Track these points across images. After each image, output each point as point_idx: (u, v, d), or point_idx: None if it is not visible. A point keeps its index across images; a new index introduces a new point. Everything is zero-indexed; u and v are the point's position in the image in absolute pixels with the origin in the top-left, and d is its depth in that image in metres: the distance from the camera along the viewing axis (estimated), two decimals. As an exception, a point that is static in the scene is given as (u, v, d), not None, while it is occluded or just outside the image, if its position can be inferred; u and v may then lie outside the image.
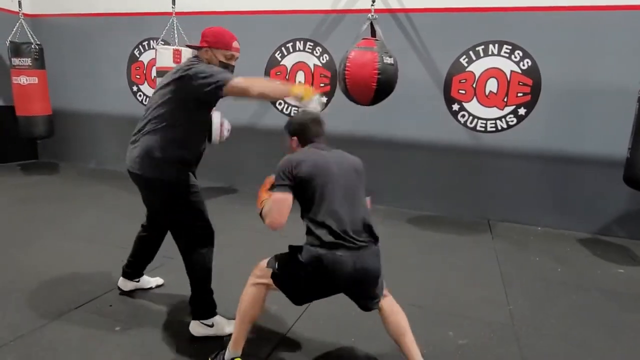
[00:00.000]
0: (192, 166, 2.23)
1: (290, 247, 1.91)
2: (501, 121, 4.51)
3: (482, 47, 4.45)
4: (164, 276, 2.83)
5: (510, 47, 4.35)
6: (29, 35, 5.52)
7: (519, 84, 4.37)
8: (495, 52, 4.41)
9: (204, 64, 2.08)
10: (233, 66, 2.22)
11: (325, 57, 5.08)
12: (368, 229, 1.85)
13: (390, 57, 3.76)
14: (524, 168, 4.62)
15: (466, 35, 4.53)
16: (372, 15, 4.07)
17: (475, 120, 4.59)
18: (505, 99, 4.44)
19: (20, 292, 2.60)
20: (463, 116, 4.62)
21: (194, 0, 5.21)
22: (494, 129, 4.55)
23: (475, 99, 4.55)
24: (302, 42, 5.15)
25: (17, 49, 5.38)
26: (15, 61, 5.39)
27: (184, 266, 2.25)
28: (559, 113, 4.43)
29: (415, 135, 4.95)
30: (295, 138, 2.02)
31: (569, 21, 4.27)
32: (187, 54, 4.53)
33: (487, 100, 4.51)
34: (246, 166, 5.67)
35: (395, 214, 4.85)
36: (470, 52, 4.50)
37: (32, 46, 5.43)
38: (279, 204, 1.79)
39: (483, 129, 4.59)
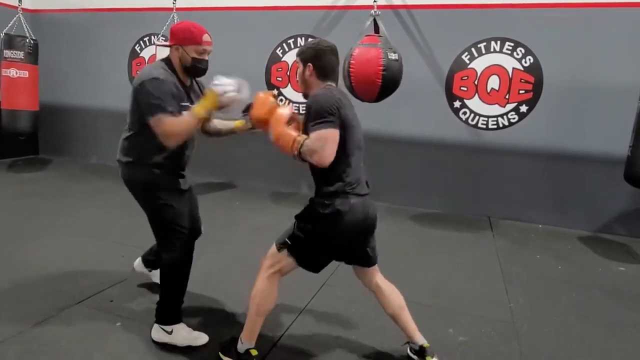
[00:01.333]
0: (170, 169, 2.15)
1: (299, 216, 1.89)
2: (503, 118, 4.49)
3: (484, 44, 4.43)
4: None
5: (512, 44, 4.33)
6: (26, 30, 5.49)
7: (520, 81, 4.35)
8: (497, 49, 4.39)
9: (157, 84, 1.93)
10: (206, 61, 2.11)
11: (327, 54, 5.05)
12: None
13: (394, 53, 3.75)
14: (525, 166, 4.62)
15: (468, 32, 4.51)
16: (375, 12, 4.05)
17: (477, 117, 4.57)
18: (507, 96, 4.43)
19: (21, 287, 2.59)
20: (465, 113, 4.61)
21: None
22: (495, 127, 4.53)
23: (476, 96, 4.53)
24: (303, 38, 5.13)
25: (10, 42, 5.32)
26: (8, 53, 5.32)
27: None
28: (561, 111, 4.42)
29: (417, 132, 4.94)
30: (310, 65, 1.86)
31: (571, 18, 4.26)
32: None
33: (488, 98, 4.50)
34: (246, 162, 5.66)
35: (397, 212, 4.85)
36: (472, 49, 4.47)
37: (27, 40, 5.39)
38: (333, 141, 1.69)
39: (484, 126, 4.57)
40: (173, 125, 1.92)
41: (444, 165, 4.91)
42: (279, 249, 1.88)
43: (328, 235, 1.81)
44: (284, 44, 5.21)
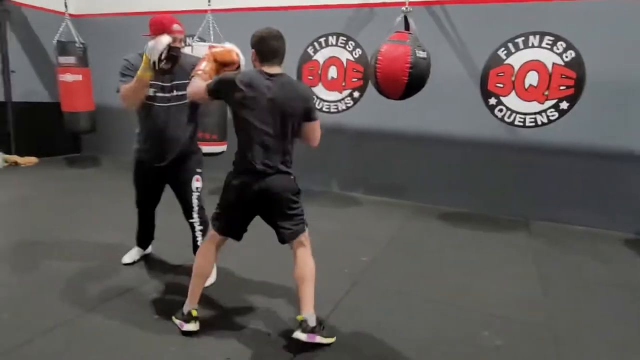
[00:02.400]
0: (145, 145, 2.62)
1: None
2: (541, 115, 4.33)
3: (522, 38, 4.28)
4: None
5: (552, 39, 4.17)
6: (74, 35, 5.76)
7: (561, 77, 4.18)
8: (536, 44, 4.23)
9: (122, 63, 2.53)
10: (178, 48, 2.41)
11: (358, 52, 5.03)
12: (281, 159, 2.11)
13: (423, 50, 3.69)
14: (565, 164, 4.44)
15: (505, 27, 4.37)
16: (406, 8, 4.00)
17: (514, 114, 4.43)
18: (546, 93, 4.26)
19: (65, 279, 2.74)
20: (500, 110, 4.47)
21: (228, -3, 5.29)
22: (533, 124, 4.38)
23: (513, 92, 4.39)
24: (334, 36, 5.13)
25: (63, 48, 5.63)
26: (62, 59, 5.65)
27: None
28: (604, 107, 4.22)
29: (449, 129, 4.85)
30: (253, 51, 2.10)
31: (615, 11, 4.06)
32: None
33: (526, 94, 4.35)
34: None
35: (426, 210, 4.79)
36: (509, 44, 4.33)
37: (77, 45, 5.67)
38: (199, 92, 2.10)
39: (521, 124, 4.42)
40: (124, 89, 2.43)
41: (477, 163, 4.80)
42: (211, 220, 2.24)
43: (227, 202, 2.15)
44: (315, 43, 5.23)
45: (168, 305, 2.46)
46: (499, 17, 4.46)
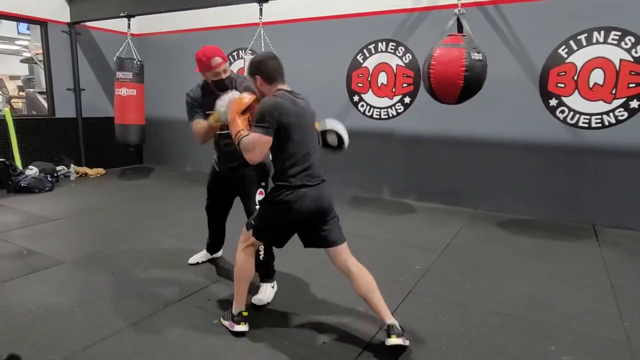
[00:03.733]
0: (219, 160, 2.87)
1: (260, 201, 2.24)
2: (608, 116, 4.06)
3: (585, 35, 4.06)
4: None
5: (619, 34, 3.91)
6: (133, 52, 6.14)
7: (630, 74, 3.91)
8: (601, 39, 3.99)
9: (186, 98, 2.73)
10: (222, 80, 2.58)
11: (408, 57, 4.98)
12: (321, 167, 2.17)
13: (478, 52, 3.58)
14: (636, 167, 4.12)
15: (565, 24, 4.16)
16: (459, 10, 3.91)
17: (577, 115, 4.19)
18: (614, 91, 4.00)
19: (132, 284, 2.90)
20: (562, 112, 4.25)
21: (279, 10, 5.42)
22: (599, 125, 4.12)
23: (576, 92, 4.16)
24: (384, 42, 5.11)
25: (121, 64, 6.01)
26: (119, 75, 6.03)
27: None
28: (682, 104, 3.88)
29: (507, 133, 4.65)
30: (258, 77, 2.15)
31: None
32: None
33: (591, 94, 4.10)
34: (326, 167, 5.74)
35: (484, 217, 4.60)
36: (571, 42, 4.12)
37: (135, 62, 6.03)
38: (263, 145, 2.05)
39: (586, 125, 4.18)
40: (196, 127, 2.63)
41: (538, 167, 4.56)
42: (247, 228, 2.23)
43: (278, 219, 2.13)
44: (364, 50, 5.24)
45: (226, 309, 2.52)
46: (558, 14, 4.24)
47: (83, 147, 6.87)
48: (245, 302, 2.28)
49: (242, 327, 2.23)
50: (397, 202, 5.31)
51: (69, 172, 6.45)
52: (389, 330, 2.05)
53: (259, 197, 2.73)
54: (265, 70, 2.13)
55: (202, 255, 3.28)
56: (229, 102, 2.32)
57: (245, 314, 2.26)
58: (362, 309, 2.54)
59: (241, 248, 2.26)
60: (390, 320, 2.08)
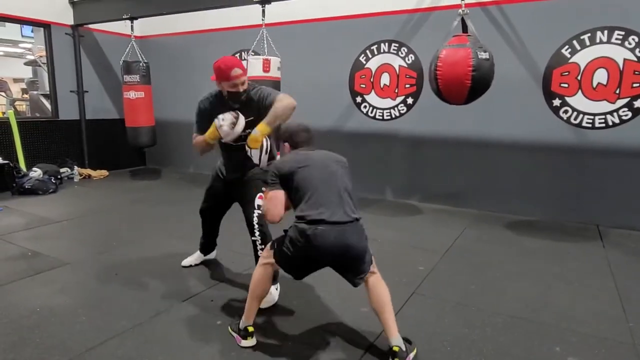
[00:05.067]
0: (226, 168, 2.84)
1: (284, 230, 2.13)
2: (612, 116, 4.04)
3: (588, 35, 4.04)
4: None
5: (622, 33, 3.89)
6: (138, 55, 6.17)
7: (634, 74, 3.89)
8: (605, 39, 3.98)
9: (197, 106, 2.71)
10: (239, 92, 2.51)
11: (411, 58, 4.97)
12: (349, 208, 2.06)
13: (485, 51, 3.57)
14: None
15: (568, 24, 4.14)
16: (463, 10, 3.90)
17: (581, 115, 4.17)
18: (618, 91, 3.98)
19: (135, 285, 2.90)
20: (566, 112, 4.23)
21: (282, 12, 5.42)
22: (603, 125, 4.10)
23: (580, 92, 4.14)
24: (387, 43, 5.11)
25: (128, 67, 6.04)
26: (127, 78, 6.06)
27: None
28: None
29: (511, 133, 4.64)
30: (286, 144, 2.31)
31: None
32: (276, 63, 4.73)
33: (594, 94, 4.08)
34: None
35: (489, 218, 4.59)
36: (574, 42, 4.10)
37: (140, 64, 6.06)
38: (274, 199, 2.08)
39: (590, 125, 4.15)
40: (195, 140, 2.67)
41: (542, 168, 4.54)
42: (271, 247, 2.19)
43: (294, 255, 2.05)
44: (367, 51, 5.23)
45: (230, 311, 2.54)
46: (561, 14, 4.23)
47: (86, 149, 6.90)
48: (253, 318, 2.21)
49: (248, 342, 2.18)
50: (400, 203, 5.30)
51: (72, 174, 6.48)
52: (394, 355, 1.99)
53: (258, 201, 2.69)
54: (295, 140, 2.28)
55: (195, 258, 3.24)
56: (229, 122, 2.42)
57: (251, 329, 2.20)
58: (365, 309, 2.53)
59: (261, 263, 2.20)
60: (395, 342, 2.01)
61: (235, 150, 2.67)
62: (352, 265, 2.08)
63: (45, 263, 3.24)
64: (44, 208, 4.83)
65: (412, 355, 2.05)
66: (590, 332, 2.35)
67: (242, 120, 2.45)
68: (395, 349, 2.01)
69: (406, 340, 2.08)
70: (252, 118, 2.50)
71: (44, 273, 3.07)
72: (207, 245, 3.24)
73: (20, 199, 5.27)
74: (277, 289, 2.72)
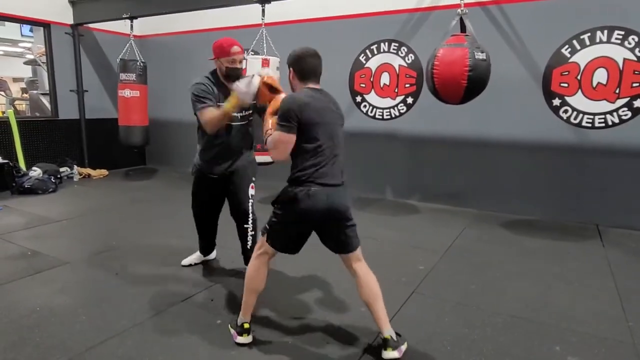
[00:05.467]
0: (207, 165, 2.79)
1: (272, 202, 2.14)
2: (612, 115, 4.03)
3: (588, 34, 4.03)
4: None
5: (623, 33, 3.88)
6: (136, 54, 6.16)
7: (634, 73, 3.88)
8: (604, 39, 3.96)
9: (197, 86, 2.62)
10: (238, 68, 2.64)
11: (411, 57, 4.96)
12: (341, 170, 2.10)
13: (482, 52, 3.57)
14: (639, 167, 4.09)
15: (568, 24, 4.14)
16: (461, 10, 3.90)
17: (581, 115, 4.16)
18: (617, 91, 3.97)
19: (136, 284, 2.90)
20: (565, 111, 4.22)
21: (281, 11, 5.42)
22: (603, 124, 4.08)
23: (580, 92, 4.13)
24: (386, 43, 5.09)
25: (124, 66, 6.02)
26: (123, 76, 6.03)
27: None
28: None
29: (510, 133, 4.64)
30: (292, 69, 2.14)
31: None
32: (275, 63, 4.72)
33: (594, 93, 4.07)
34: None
35: (488, 218, 4.59)
36: (574, 42, 4.09)
37: (138, 63, 6.04)
38: (286, 144, 2.01)
39: (590, 125, 4.14)
40: (209, 114, 2.52)
41: (542, 167, 4.54)
42: (262, 233, 2.17)
43: (289, 218, 2.06)
44: (367, 51, 5.22)
45: (230, 310, 2.54)
46: (561, 14, 4.23)
47: (86, 148, 6.89)
48: (250, 313, 2.21)
49: (243, 339, 2.17)
50: (400, 202, 5.30)
51: (72, 173, 6.48)
52: (385, 343, 2.03)
53: (251, 191, 2.81)
54: (301, 66, 2.11)
55: (195, 257, 3.26)
56: (248, 84, 2.35)
57: (247, 326, 2.19)
58: (365, 309, 2.53)
59: (255, 255, 2.20)
60: (387, 332, 2.05)
61: (231, 135, 2.72)
62: (338, 227, 2.08)
63: (45, 262, 3.24)
64: (44, 207, 4.82)
65: (403, 347, 2.06)
66: (590, 331, 2.35)
67: (256, 79, 2.37)
68: (387, 337, 2.04)
69: (397, 334, 2.09)
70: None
71: (44, 272, 3.07)
72: (207, 246, 3.25)
73: (20, 198, 5.27)
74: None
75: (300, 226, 2.10)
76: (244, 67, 2.75)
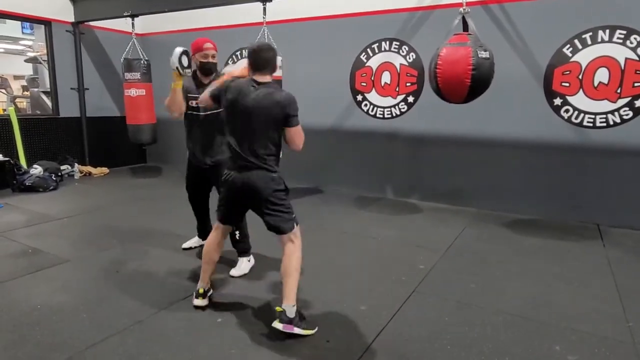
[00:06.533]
0: (192, 155, 3.13)
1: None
2: (613, 115, 4.03)
3: (590, 34, 4.02)
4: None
5: (624, 32, 3.88)
6: (139, 52, 6.16)
7: (636, 73, 3.88)
8: (606, 38, 3.96)
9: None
10: (214, 63, 2.97)
11: (412, 56, 4.96)
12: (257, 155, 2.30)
13: (485, 50, 3.56)
14: (641, 167, 4.09)
15: (570, 23, 4.13)
16: (464, 9, 3.89)
17: (582, 114, 4.16)
18: (619, 90, 3.97)
19: (137, 282, 2.91)
20: (567, 111, 4.22)
21: (283, 10, 5.41)
22: (604, 124, 4.09)
23: (581, 91, 4.13)
24: (387, 42, 5.09)
25: (129, 65, 6.02)
26: (127, 76, 6.04)
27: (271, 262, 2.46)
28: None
29: (511, 132, 4.64)
30: (248, 61, 2.37)
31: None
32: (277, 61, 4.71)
33: (596, 93, 4.07)
34: (332, 168, 5.74)
35: (489, 217, 4.59)
36: (575, 41, 4.09)
37: (142, 62, 6.05)
38: (206, 102, 2.54)
39: (591, 124, 4.14)
40: (166, 101, 2.94)
41: (543, 167, 4.54)
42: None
43: (221, 196, 2.47)
44: (368, 49, 5.22)
45: (230, 308, 2.54)
46: (562, 13, 4.22)
47: (87, 146, 6.90)
48: (204, 281, 2.53)
49: (197, 302, 2.51)
50: (400, 201, 5.30)
51: (73, 171, 6.48)
52: (278, 315, 2.21)
53: None
54: (254, 59, 2.33)
55: (195, 241, 3.53)
56: (179, 55, 2.71)
57: (201, 291, 2.51)
58: (365, 307, 2.54)
59: (212, 232, 2.54)
60: (283, 306, 2.22)
61: (200, 126, 3.03)
62: (262, 204, 2.30)
63: (46, 260, 3.25)
64: (45, 205, 4.83)
65: (297, 329, 2.20)
66: (590, 331, 2.36)
67: (179, 49, 2.76)
68: (278, 309, 2.23)
69: (302, 317, 2.27)
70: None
71: (45, 270, 3.07)
72: (203, 229, 3.45)
73: (20, 196, 5.28)
74: (249, 261, 3.13)
75: (228, 201, 2.43)
76: (242, 66, 2.88)
